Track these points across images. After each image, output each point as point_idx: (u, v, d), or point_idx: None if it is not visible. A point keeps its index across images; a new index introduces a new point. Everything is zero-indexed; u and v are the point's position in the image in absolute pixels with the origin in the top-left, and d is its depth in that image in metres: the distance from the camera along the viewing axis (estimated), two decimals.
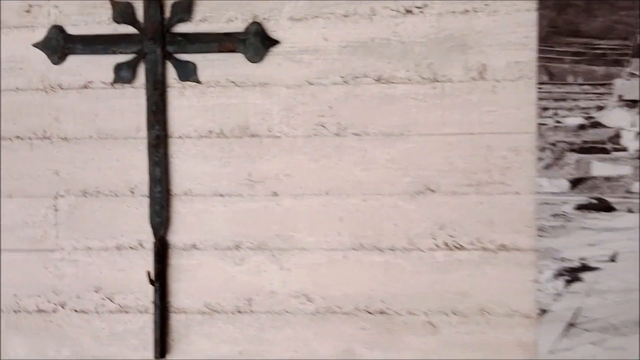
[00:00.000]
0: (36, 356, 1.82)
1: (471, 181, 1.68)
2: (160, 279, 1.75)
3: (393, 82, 1.69)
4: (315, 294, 1.74)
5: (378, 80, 1.70)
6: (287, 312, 1.75)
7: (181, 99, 1.75)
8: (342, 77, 1.71)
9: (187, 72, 1.74)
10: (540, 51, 1.63)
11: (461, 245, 1.69)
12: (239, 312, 1.76)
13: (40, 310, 1.82)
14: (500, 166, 1.67)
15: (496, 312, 1.70)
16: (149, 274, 1.73)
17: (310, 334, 1.75)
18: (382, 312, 1.73)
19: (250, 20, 1.72)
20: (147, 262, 1.78)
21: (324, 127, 1.72)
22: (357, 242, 1.72)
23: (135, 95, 1.76)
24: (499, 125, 1.67)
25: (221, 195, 1.76)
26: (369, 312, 1.73)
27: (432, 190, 1.70)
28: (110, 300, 1.80)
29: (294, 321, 1.75)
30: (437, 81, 1.68)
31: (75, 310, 1.81)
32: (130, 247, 1.79)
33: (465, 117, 1.67)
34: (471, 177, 1.68)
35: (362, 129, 1.71)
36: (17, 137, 1.80)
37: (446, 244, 1.70)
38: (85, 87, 1.78)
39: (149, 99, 1.75)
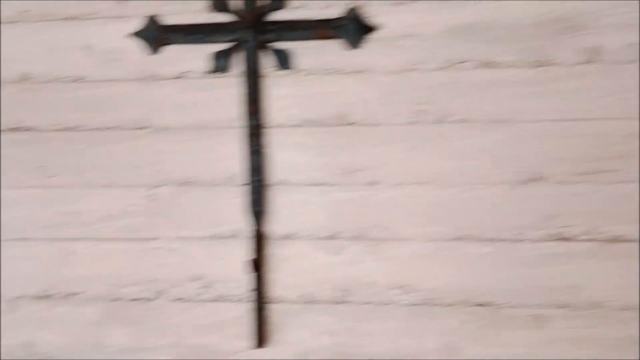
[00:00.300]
0: (136, 344, 1.85)
1: (583, 170, 1.61)
2: (257, 269, 1.75)
3: (498, 67, 1.63)
4: (415, 286, 1.71)
5: (482, 65, 1.63)
6: (386, 303, 1.72)
7: (277, 87, 1.74)
8: (444, 62, 1.65)
9: (284, 61, 1.72)
10: None
11: (572, 237, 1.62)
12: (337, 303, 1.74)
13: (139, 299, 1.84)
14: (615, 154, 1.59)
15: (609, 306, 1.62)
16: (251, 262, 1.72)
17: (410, 326, 1.72)
18: (485, 305, 1.68)
19: (347, 6, 1.68)
20: (243, 252, 1.77)
21: (424, 114, 1.67)
22: (459, 232, 1.67)
23: (232, 84, 1.75)
24: (613, 110, 1.58)
25: (318, 185, 1.73)
26: (472, 305, 1.68)
27: (540, 180, 1.63)
28: (208, 290, 1.81)
29: (393, 313, 1.72)
30: (546, 65, 1.61)
31: (174, 299, 1.83)
32: (227, 237, 1.78)
33: (576, 102, 1.60)
34: (583, 165, 1.61)
35: (465, 115, 1.65)
36: (115, 127, 1.82)
37: (555, 235, 1.63)
38: (182, 77, 1.78)
39: (245, 88, 1.73)
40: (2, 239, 1.87)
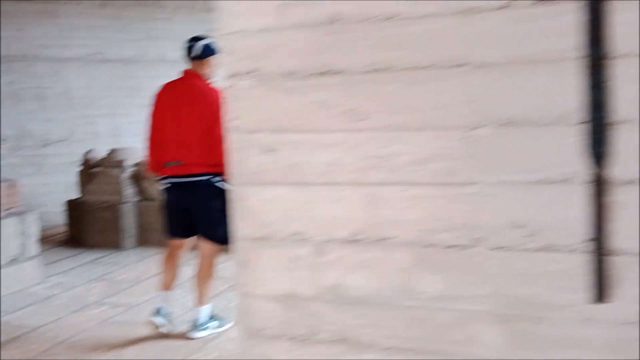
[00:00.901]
0: (449, 292, 1.78)
1: None
2: (598, 218, 1.58)
3: None
4: None
5: None
6: None
7: (624, 12, 1.51)
8: None
9: None
10: None
11: None
12: None
13: (454, 246, 1.76)
14: None
15: None
16: (594, 207, 1.57)
17: None
18: None
19: None
20: (577, 198, 1.61)
21: None
22: None
23: (566, 11, 1.56)
24: None
25: None
26: None
27: None
28: (534, 238, 1.67)
29: None
30: None
31: (493, 248, 1.72)
32: (558, 181, 1.63)
33: None
34: None
35: None
36: (430, 66, 1.71)
37: None
38: (506, 7, 1.62)
39: (585, 15, 1.54)
40: (311, 183, 1.88)
